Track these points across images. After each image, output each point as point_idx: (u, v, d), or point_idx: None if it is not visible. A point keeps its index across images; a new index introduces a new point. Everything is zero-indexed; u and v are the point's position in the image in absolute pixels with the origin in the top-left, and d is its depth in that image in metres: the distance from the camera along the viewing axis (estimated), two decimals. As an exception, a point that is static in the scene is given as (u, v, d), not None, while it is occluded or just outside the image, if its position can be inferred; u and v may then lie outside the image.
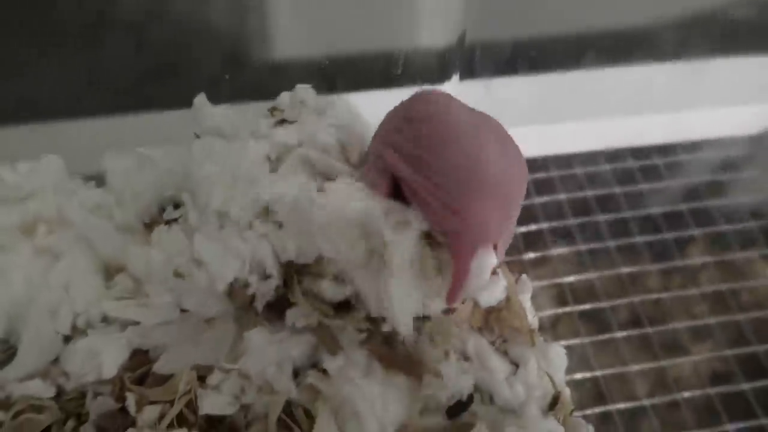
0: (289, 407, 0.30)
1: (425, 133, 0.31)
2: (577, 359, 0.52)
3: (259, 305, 0.33)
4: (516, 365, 0.31)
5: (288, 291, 0.33)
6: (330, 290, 0.32)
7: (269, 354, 0.31)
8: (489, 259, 0.30)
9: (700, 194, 0.62)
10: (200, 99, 0.38)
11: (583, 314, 0.54)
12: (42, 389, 0.31)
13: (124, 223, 0.37)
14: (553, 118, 0.58)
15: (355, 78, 0.45)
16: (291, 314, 0.33)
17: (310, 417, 0.30)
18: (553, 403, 0.31)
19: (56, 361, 0.32)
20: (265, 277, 0.32)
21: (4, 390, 0.30)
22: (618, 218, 0.60)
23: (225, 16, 0.47)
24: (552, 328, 0.54)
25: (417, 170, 0.31)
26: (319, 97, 0.41)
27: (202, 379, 0.32)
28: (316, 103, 0.41)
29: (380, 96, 0.41)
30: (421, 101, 0.33)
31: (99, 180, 0.40)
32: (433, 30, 0.43)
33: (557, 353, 0.32)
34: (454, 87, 0.46)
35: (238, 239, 0.32)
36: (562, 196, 0.61)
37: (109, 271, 0.36)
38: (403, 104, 0.34)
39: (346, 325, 0.32)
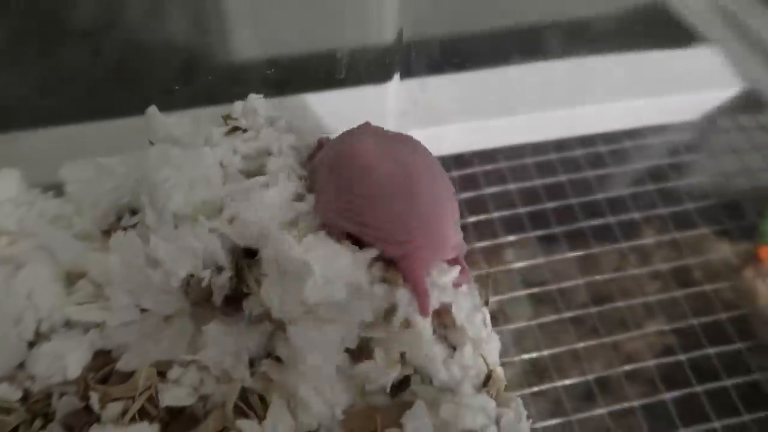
0: (245, 394, 0.33)
1: (357, 194, 0.34)
2: (529, 341, 0.55)
3: (218, 298, 0.35)
4: (453, 348, 0.34)
5: (241, 282, 0.35)
6: None
7: (227, 345, 0.33)
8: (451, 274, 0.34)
9: (643, 179, 0.66)
10: (152, 110, 0.40)
11: (533, 297, 0.57)
12: (8, 393, 0.33)
13: (83, 232, 0.39)
14: (500, 111, 0.61)
15: (302, 79, 0.47)
16: (248, 303, 0.35)
17: (265, 403, 0.33)
18: (486, 380, 0.34)
19: (21, 365, 0.34)
20: (218, 269, 0.34)
21: (-29, 394, 0.32)
22: (565, 205, 0.63)
23: (175, 23, 0.49)
24: (503, 312, 0.57)
25: (362, 225, 0.34)
26: (271, 106, 0.44)
27: (162, 374, 0.34)
28: (267, 112, 0.43)
29: (327, 97, 0.43)
30: (344, 156, 0.36)
31: (57, 189, 0.41)
32: (374, 28, 0.45)
33: (491, 337, 0.35)
34: (395, 86, 0.49)
35: (191, 237, 0.35)
36: (511, 186, 0.64)
37: (71, 278, 0.38)
38: (331, 161, 0.37)
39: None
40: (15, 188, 0.39)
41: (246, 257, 0.36)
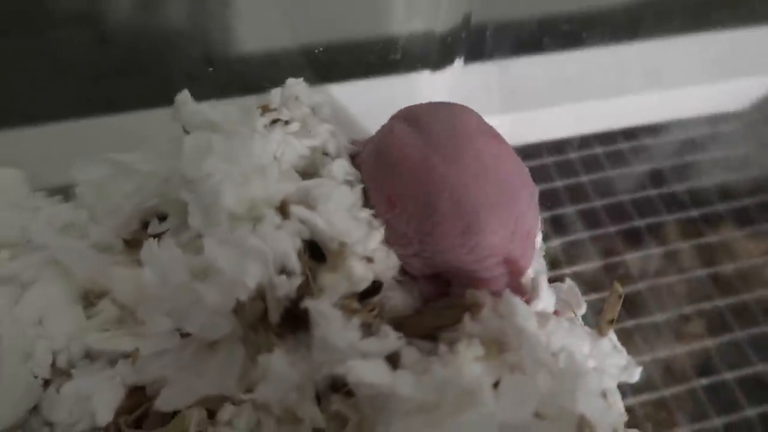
0: (315, 437, 0.27)
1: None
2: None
3: (275, 315, 0.29)
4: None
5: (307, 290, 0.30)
6: (357, 273, 0.29)
7: (290, 377, 0.28)
8: None
9: (669, 177, 0.61)
10: (182, 96, 0.34)
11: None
12: None
13: (101, 242, 0.33)
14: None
15: (349, 66, 0.41)
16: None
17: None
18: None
19: (35, 409, 0.28)
20: (288, 274, 0.29)
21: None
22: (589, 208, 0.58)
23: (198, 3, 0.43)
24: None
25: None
26: (313, 92, 0.38)
27: (211, 414, 0.28)
28: (309, 99, 0.38)
29: (377, 84, 0.38)
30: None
31: (65, 193, 0.36)
32: (434, 11, 0.40)
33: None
34: (457, 71, 0.44)
35: (255, 238, 0.29)
36: (558, 184, 0.59)
37: (89, 298, 0.32)
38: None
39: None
40: (17, 191, 0.33)
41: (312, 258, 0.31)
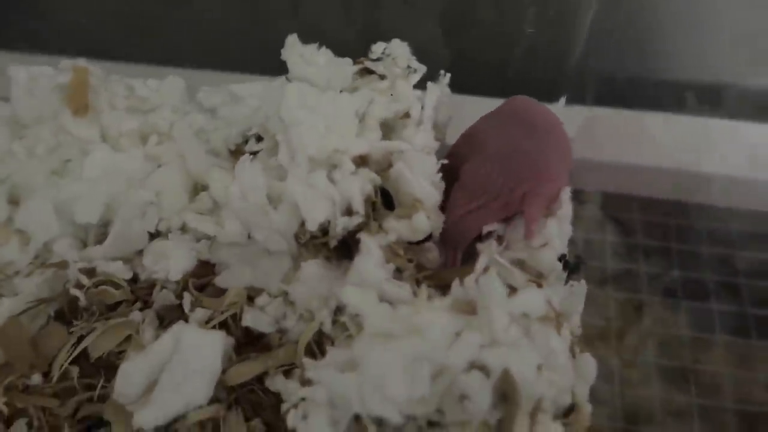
0: (321, 338, 0.38)
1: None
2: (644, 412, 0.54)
3: (333, 242, 0.41)
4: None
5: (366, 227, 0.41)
6: (421, 226, 0.40)
7: (319, 287, 0.39)
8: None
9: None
10: (292, 39, 0.46)
11: (664, 371, 0.56)
12: (121, 271, 0.41)
13: (215, 148, 0.47)
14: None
15: (460, 81, 0.51)
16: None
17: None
18: (568, 412, 0.34)
19: (141, 252, 0.42)
20: (349, 213, 0.40)
21: (91, 263, 0.41)
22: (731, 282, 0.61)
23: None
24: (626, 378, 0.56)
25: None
26: (413, 60, 0.48)
27: (251, 299, 0.40)
28: (407, 62, 0.48)
29: (486, 103, 0.47)
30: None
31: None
32: (549, 50, 0.48)
33: (587, 363, 0.36)
34: (557, 110, 0.52)
35: (327, 182, 0.40)
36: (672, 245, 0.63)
37: (196, 189, 0.46)
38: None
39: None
40: (177, 96, 0.48)
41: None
